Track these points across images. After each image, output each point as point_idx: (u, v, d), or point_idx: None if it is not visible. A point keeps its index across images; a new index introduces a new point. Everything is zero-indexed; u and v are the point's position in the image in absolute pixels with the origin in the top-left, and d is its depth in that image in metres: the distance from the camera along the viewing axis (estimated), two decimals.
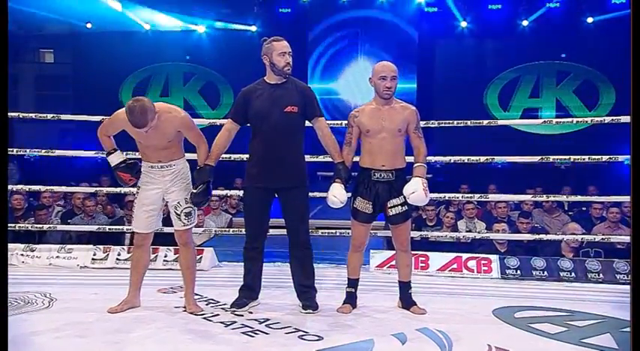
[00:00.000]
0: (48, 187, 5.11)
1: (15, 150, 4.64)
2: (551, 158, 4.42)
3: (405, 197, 3.21)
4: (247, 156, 3.41)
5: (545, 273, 4.21)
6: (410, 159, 3.34)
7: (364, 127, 3.26)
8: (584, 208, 6.71)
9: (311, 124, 3.39)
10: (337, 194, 3.23)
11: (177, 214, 3.27)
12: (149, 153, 3.24)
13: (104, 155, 3.41)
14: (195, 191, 3.22)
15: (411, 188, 3.17)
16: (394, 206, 3.25)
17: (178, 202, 3.26)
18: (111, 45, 11.77)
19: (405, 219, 3.30)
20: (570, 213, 6.77)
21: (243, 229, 3.45)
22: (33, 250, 4.48)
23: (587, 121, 4.95)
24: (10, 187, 4.74)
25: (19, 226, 4.70)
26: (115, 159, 3.27)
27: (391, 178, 3.24)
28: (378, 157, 3.24)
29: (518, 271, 4.25)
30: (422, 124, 3.43)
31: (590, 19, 10.92)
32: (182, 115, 3.22)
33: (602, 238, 4.51)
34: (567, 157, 4.46)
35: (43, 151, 4.57)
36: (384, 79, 3.23)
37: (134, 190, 3.37)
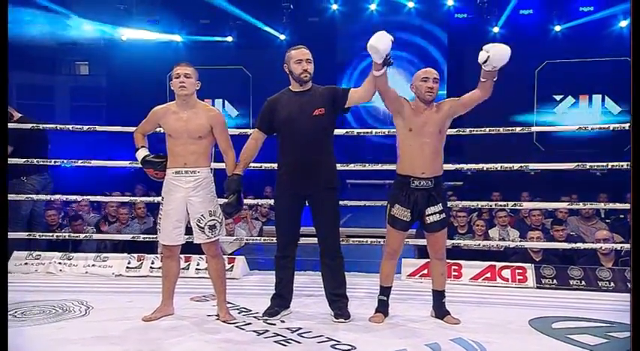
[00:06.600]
0: (84, 197, 5.21)
1: (53, 161, 4.76)
2: (588, 165, 4.29)
3: (442, 205, 3.21)
4: (276, 165, 3.42)
5: (583, 282, 4.10)
6: (447, 167, 3.32)
7: (408, 122, 3.18)
8: (621, 216, 6.51)
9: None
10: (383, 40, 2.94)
11: (200, 228, 3.24)
12: (178, 150, 3.23)
13: (138, 165, 3.47)
14: (227, 201, 3.23)
15: (489, 45, 3.01)
16: (432, 214, 3.22)
17: (202, 215, 3.23)
18: (145, 56, 11.98)
19: (442, 227, 3.26)
20: (607, 221, 6.58)
21: (274, 238, 3.46)
22: (70, 259, 4.58)
23: (620, 127, 4.80)
24: (47, 196, 4.86)
25: (57, 236, 4.81)
26: (140, 155, 3.36)
27: (430, 186, 3.20)
28: (417, 163, 3.18)
29: (555, 281, 4.15)
30: (453, 131, 3.38)
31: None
32: (219, 112, 3.38)
33: None
34: (604, 163, 4.33)
35: (80, 161, 4.67)
36: (426, 80, 3.20)
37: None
